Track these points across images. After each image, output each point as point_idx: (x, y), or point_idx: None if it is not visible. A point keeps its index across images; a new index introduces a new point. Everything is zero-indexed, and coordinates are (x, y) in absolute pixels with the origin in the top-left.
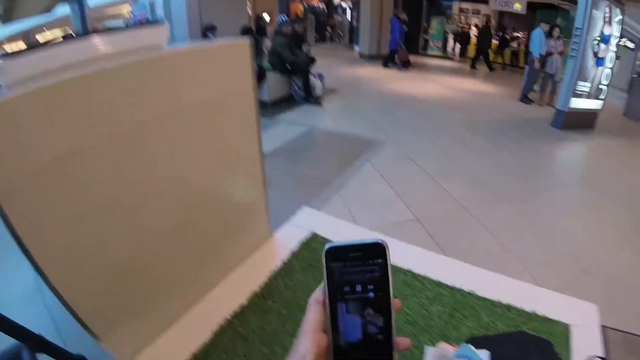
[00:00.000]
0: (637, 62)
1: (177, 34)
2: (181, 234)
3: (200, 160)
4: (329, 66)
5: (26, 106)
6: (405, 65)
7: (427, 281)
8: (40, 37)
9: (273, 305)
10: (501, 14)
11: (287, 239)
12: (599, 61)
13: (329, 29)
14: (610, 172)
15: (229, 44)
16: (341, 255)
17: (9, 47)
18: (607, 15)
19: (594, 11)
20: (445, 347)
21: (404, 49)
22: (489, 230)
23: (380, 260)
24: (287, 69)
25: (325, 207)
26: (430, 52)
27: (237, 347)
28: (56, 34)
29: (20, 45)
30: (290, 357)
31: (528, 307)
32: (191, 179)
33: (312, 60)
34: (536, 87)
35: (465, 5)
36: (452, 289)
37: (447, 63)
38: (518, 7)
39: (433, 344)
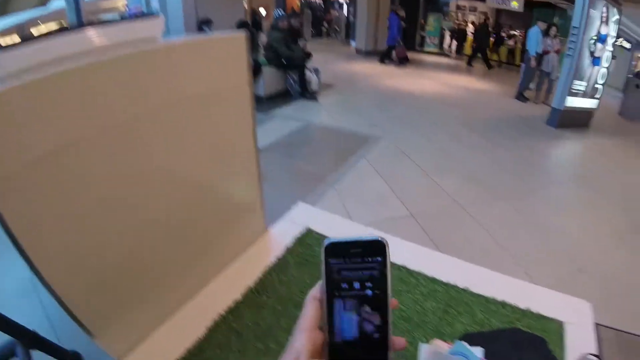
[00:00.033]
0: (634, 62)
1: (172, 28)
2: (175, 230)
3: (195, 154)
4: (325, 61)
5: (19, 99)
6: (403, 61)
7: (421, 277)
8: (35, 31)
9: (267, 300)
10: (498, 12)
11: (282, 235)
12: (595, 60)
13: (325, 24)
14: (605, 171)
15: (225, 37)
16: (340, 251)
17: (3, 41)
18: (605, 15)
19: (592, 10)
20: (439, 344)
21: (401, 45)
22: (483, 227)
23: (379, 258)
24: (282, 64)
25: (320, 203)
26: (426, 48)
27: (232, 343)
28: (51, 27)
29: (15, 38)
30: (285, 353)
31: (522, 304)
32: (185, 173)
33: (308, 55)
34: (532, 85)
35: (462, 3)
36: (446, 285)
37: (444, 60)
38: (515, 5)
39: (427, 340)
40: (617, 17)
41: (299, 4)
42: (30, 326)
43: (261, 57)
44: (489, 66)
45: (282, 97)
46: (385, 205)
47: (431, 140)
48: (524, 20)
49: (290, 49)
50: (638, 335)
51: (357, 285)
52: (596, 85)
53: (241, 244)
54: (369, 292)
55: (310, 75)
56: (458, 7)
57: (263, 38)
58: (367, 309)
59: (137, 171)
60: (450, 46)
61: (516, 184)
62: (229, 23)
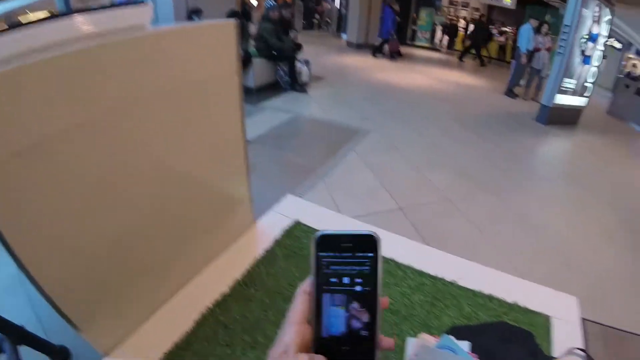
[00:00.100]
0: (624, 63)
1: (161, 16)
2: (162, 222)
3: (182, 144)
4: (316, 54)
5: (1, 86)
6: (394, 55)
7: (409, 270)
8: (23, 19)
9: (255, 293)
10: (490, 8)
11: (270, 227)
12: (586, 59)
13: (317, 16)
14: (594, 168)
15: (214, 25)
16: (331, 244)
17: None
18: (597, 14)
19: (584, 10)
20: (426, 338)
21: (395, 38)
22: (472, 222)
23: (371, 254)
24: (273, 55)
25: (309, 195)
26: (418, 43)
27: (219, 336)
28: (39, 15)
29: (2, 25)
30: (274, 347)
31: (509, 298)
32: (172, 165)
33: (298, 46)
34: (522, 82)
35: None
36: (434, 278)
37: (435, 55)
38: (507, 1)
39: (415, 333)
40: (609, 17)
41: None
42: (17, 321)
43: (251, 48)
44: (482, 63)
45: (272, 88)
46: (374, 199)
47: (422, 135)
48: (516, 17)
49: (280, 40)
50: (623, 330)
51: (346, 280)
52: (586, 84)
53: (229, 237)
54: (358, 288)
55: (300, 67)
56: (450, 2)
57: (253, 28)
58: (356, 305)
59: (123, 162)
60: (441, 41)
61: (505, 180)
62: (219, 12)
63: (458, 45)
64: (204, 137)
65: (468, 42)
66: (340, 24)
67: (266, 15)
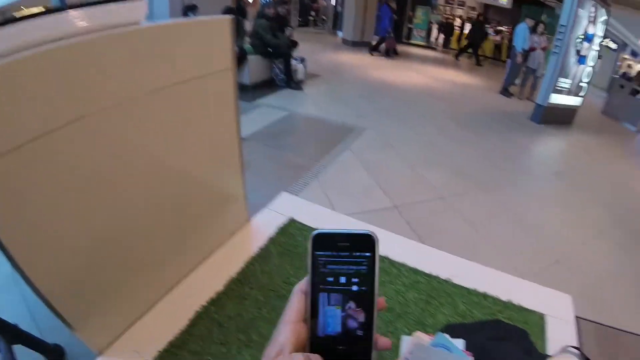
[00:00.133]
0: (619, 63)
1: (157, 13)
2: (156, 220)
3: (175, 140)
4: (312, 51)
5: None
6: (389, 53)
7: (404, 268)
8: (18, 14)
9: (250, 291)
10: (487, 7)
11: (264, 225)
12: (581, 59)
13: (312, 13)
14: (588, 168)
15: (209, 20)
16: (328, 243)
17: None
18: (593, 14)
19: (580, 10)
20: (421, 336)
21: (392, 36)
22: (466, 220)
23: (368, 254)
24: (268, 52)
25: (303, 193)
26: (413, 41)
27: (214, 334)
28: (33, 10)
29: None
30: (269, 346)
31: (504, 296)
32: (166, 162)
33: (294, 43)
34: (517, 81)
35: None
36: (429, 276)
37: (430, 53)
38: (504, 1)
39: (409, 331)
40: (605, 17)
41: None
42: (12, 320)
43: (247, 45)
44: (478, 62)
45: (267, 85)
46: (369, 197)
47: (418, 133)
48: (512, 16)
49: (276, 37)
50: (617, 329)
51: (343, 279)
52: (581, 84)
53: (223, 234)
54: (355, 287)
55: (296, 64)
56: (446, 1)
57: (248, 25)
58: (352, 305)
59: (117, 160)
60: (437, 39)
61: (500, 178)
62: (215, 9)
63: (454, 44)
64: (198, 134)
65: (466, 41)
66: (336, 21)
67: (262, 12)
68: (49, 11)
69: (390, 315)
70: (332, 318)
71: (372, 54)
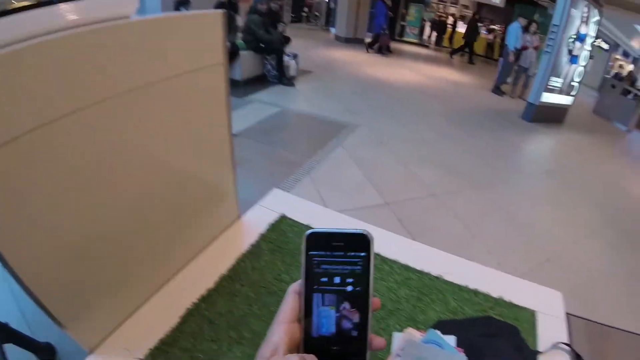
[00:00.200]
0: (610, 63)
1: (149, 7)
2: (146, 217)
3: (166, 136)
4: (305, 47)
5: None
6: (382, 50)
7: (395, 265)
8: (9, 7)
9: (241, 288)
10: (480, 6)
11: (255, 221)
12: (573, 59)
13: (305, 9)
14: (579, 167)
15: (200, 14)
16: (322, 242)
17: None
18: (585, 15)
19: (573, 10)
20: (412, 333)
21: (386, 33)
22: (458, 218)
23: (363, 254)
24: (260, 48)
25: (295, 189)
26: (406, 38)
27: (205, 331)
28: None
29: None
30: (263, 346)
31: (495, 293)
32: (155, 157)
33: (286, 39)
34: (509, 79)
35: None
36: (420, 273)
37: (423, 51)
38: None
39: (401, 328)
40: (597, 18)
41: None
42: (1, 318)
43: (239, 40)
44: (471, 61)
45: (259, 81)
46: (361, 194)
47: (410, 130)
48: (505, 15)
49: (268, 33)
50: (607, 325)
51: (337, 280)
52: (572, 83)
53: (214, 231)
54: (349, 288)
55: (288, 60)
56: None
57: (240, 21)
58: (347, 305)
59: (105, 155)
60: (430, 37)
61: (491, 176)
62: (207, 4)
63: (446, 42)
64: (189, 129)
65: (463, 41)
66: (329, 17)
67: (254, 8)
68: (39, 4)
69: (382, 312)
70: (326, 319)
71: (368, 51)
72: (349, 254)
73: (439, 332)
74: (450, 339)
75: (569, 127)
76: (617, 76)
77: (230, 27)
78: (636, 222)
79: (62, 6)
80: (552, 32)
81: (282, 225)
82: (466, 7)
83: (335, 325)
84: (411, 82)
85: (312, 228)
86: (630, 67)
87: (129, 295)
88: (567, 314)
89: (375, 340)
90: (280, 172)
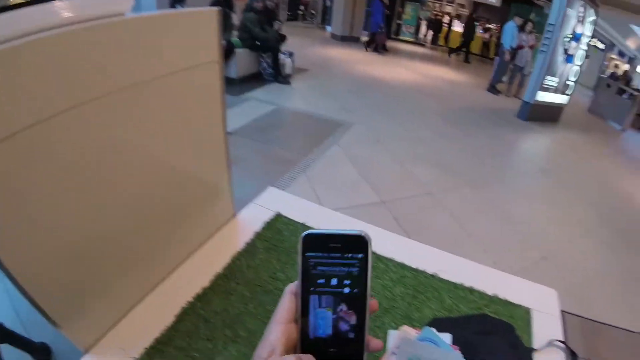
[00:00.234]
0: (606, 63)
1: (144, 5)
2: (140, 214)
3: (159, 134)
4: (301, 45)
5: None
6: (379, 49)
7: (391, 263)
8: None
9: (236, 287)
10: (476, 5)
11: (251, 219)
12: (569, 58)
13: (301, 7)
14: (574, 165)
15: (195, 12)
16: (319, 244)
17: None
18: (581, 14)
19: (568, 9)
20: (408, 330)
21: (383, 32)
22: (453, 216)
23: (360, 255)
24: (256, 46)
25: (291, 188)
26: (402, 37)
27: (200, 330)
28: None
29: None
30: (260, 347)
31: (490, 291)
32: (149, 155)
33: (282, 37)
34: (505, 78)
35: None
36: (415, 271)
37: (419, 49)
38: None
39: (396, 325)
40: (593, 17)
41: None
42: None
43: (234, 38)
44: (467, 59)
45: (254, 79)
46: (356, 192)
47: (406, 129)
48: (501, 14)
49: (264, 31)
50: (602, 323)
51: (334, 281)
52: (568, 82)
53: (209, 229)
54: (346, 289)
55: (284, 58)
56: None
57: (236, 18)
58: (344, 307)
59: (99, 153)
60: (425, 36)
61: (487, 174)
62: (203, 1)
63: (442, 41)
64: (183, 127)
65: (461, 40)
66: (325, 16)
67: (250, 5)
68: (34, 2)
69: (378, 310)
70: (323, 320)
71: (367, 50)
72: (346, 255)
73: (434, 330)
74: (446, 337)
75: (564, 126)
76: (613, 76)
77: (226, 24)
78: (631, 221)
79: (57, 3)
80: (548, 31)
81: (278, 224)
82: (462, 5)
83: (332, 327)
84: (407, 81)
85: (308, 226)
86: (625, 67)
87: (124, 295)
88: (562, 311)
89: (373, 342)
90: (275, 170)
